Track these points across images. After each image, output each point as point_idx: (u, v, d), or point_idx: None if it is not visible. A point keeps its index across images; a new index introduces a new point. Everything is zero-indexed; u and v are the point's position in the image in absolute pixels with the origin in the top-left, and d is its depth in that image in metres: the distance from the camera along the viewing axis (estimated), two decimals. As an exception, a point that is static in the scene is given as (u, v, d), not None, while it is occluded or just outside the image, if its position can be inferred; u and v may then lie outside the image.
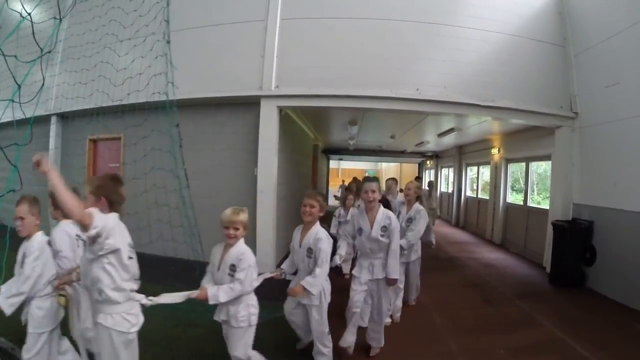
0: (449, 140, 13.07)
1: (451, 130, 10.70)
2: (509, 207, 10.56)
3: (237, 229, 2.82)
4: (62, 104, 8.12)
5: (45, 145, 8.58)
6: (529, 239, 9.10)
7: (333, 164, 25.27)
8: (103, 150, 8.32)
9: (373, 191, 3.56)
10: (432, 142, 14.43)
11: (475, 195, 13.68)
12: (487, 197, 11.87)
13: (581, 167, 6.90)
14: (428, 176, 20.86)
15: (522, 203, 9.86)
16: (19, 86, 2.52)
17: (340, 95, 6.46)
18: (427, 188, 10.02)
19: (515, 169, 10.76)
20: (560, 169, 7.26)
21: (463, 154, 14.85)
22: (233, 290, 2.74)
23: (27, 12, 2.80)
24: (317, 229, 3.34)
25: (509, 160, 10.71)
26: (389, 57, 6.54)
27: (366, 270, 3.64)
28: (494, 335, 4.50)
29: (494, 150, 11.20)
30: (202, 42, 6.75)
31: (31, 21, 2.80)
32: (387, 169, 32.13)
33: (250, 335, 2.91)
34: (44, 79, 3.39)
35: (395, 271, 3.59)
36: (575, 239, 6.44)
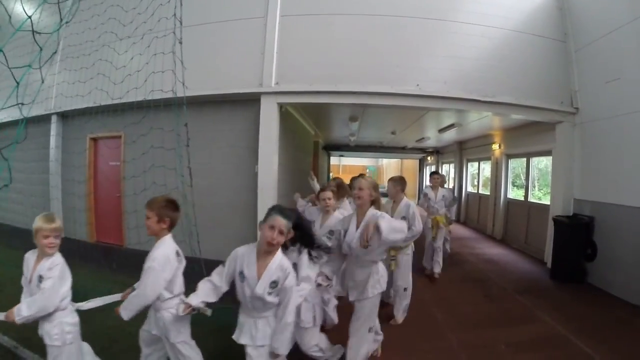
0: (450, 136, 13.08)
1: (452, 125, 10.68)
2: (510, 203, 10.56)
3: (57, 236, 2.63)
4: (62, 102, 8.11)
5: (45, 144, 8.59)
6: (530, 235, 9.11)
7: (334, 160, 25.26)
8: (103, 149, 8.32)
9: (281, 232, 2.54)
10: (432, 138, 14.42)
11: (476, 191, 13.68)
12: (488, 193, 11.86)
13: (582, 163, 6.89)
14: (429, 172, 20.82)
15: (523, 198, 9.86)
16: (18, 84, 2.52)
17: (341, 91, 6.45)
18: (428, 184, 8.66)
19: (516, 165, 10.75)
20: (561, 164, 7.25)
21: (464, 150, 14.84)
22: (35, 301, 2.50)
23: (27, 14, 2.78)
24: (158, 244, 2.75)
25: (509, 156, 10.70)
26: (389, 53, 6.52)
27: (247, 335, 2.62)
28: (495, 330, 4.52)
29: (495, 146, 11.19)
30: (201, 39, 6.73)
31: (31, 22, 2.79)
32: (388, 165, 32.13)
33: (68, 355, 2.67)
34: (42, 78, 3.39)
35: (283, 346, 2.56)
36: (576, 234, 6.44)
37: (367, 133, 13.87)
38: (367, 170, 32.80)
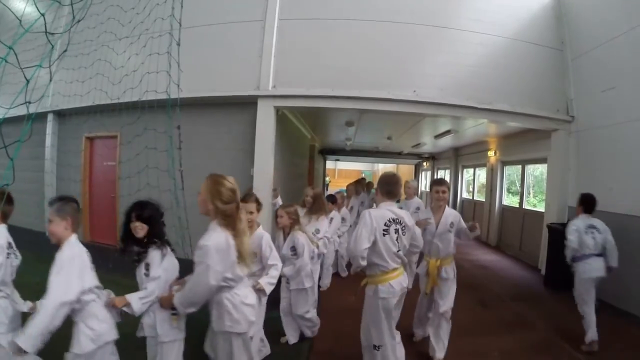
0: (446, 142, 13.09)
1: (448, 132, 10.70)
2: (505, 210, 10.59)
3: None
4: (59, 101, 8.09)
5: (41, 142, 8.54)
6: (525, 241, 9.13)
7: (330, 164, 25.28)
8: (99, 148, 8.29)
9: (50, 220, 2.39)
10: (428, 144, 14.45)
11: (471, 197, 13.72)
12: (483, 199, 11.90)
13: (577, 171, 6.93)
14: (425, 178, 20.81)
15: (517, 205, 9.89)
16: (28, 81, 2.51)
17: (337, 96, 6.46)
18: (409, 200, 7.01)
19: (512, 172, 10.79)
20: (556, 172, 7.29)
21: (459, 156, 14.89)
22: None
23: (40, 12, 2.77)
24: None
25: (505, 163, 10.73)
26: (386, 59, 6.54)
27: None
28: (489, 337, 4.52)
29: (491, 153, 11.23)
30: (199, 41, 6.73)
31: (43, 16, 2.79)
32: (384, 170, 32.17)
33: None
34: (51, 76, 3.39)
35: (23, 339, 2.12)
36: (571, 242, 6.45)
37: (363, 138, 13.88)
38: (362, 175, 32.80)
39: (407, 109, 6.62)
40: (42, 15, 2.69)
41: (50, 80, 3.48)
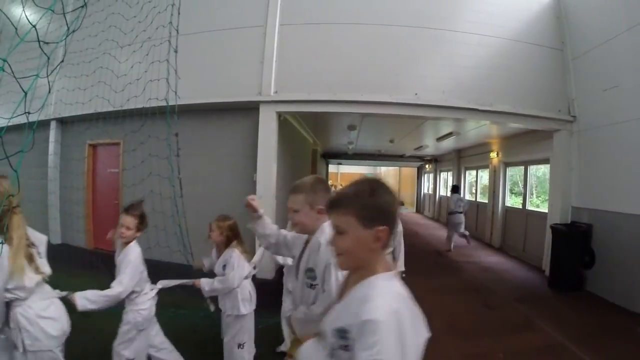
0: (448, 144, 13.11)
1: (450, 134, 10.71)
2: (508, 211, 10.57)
3: None
4: (62, 109, 8.13)
5: (44, 150, 8.59)
6: (528, 243, 9.10)
7: (332, 168, 25.25)
8: (102, 156, 8.34)
9: None
10: (431, 146, 14.46)
11: (474, 199, 13.67)
12: (486, 201, 11.86)
13: (580, 171, 6.92)
14: (427, 180, 20.80)
15: (520, 206, 9.86)
16: (25, 93, 2.51)
17: (339, 100, 6.48)
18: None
19: (514, 173, 10.77)
20: (558, 172, 7.27)
21: (462, 158, 14.87)
22: None
23: (31, 24, 2.78)
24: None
25: (507, 164, 10.72)
26: (388, 62, 6.57)
27: None
28: (493, 339, 4.50)
29: (493, 154, 11.22)
30: (201, 47, 6.77)
31: (36, 30, 2.81)
32: (386, 173, 32.15)
33: None
34: (49, 86, 3.39)
35: None
36: (574, 242, 6.44)
37: (365, 141, 13.90)
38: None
39: (408, 112, 6.64)
40: (34, 27, 2.70)
41: (49, 92, 3.46)
